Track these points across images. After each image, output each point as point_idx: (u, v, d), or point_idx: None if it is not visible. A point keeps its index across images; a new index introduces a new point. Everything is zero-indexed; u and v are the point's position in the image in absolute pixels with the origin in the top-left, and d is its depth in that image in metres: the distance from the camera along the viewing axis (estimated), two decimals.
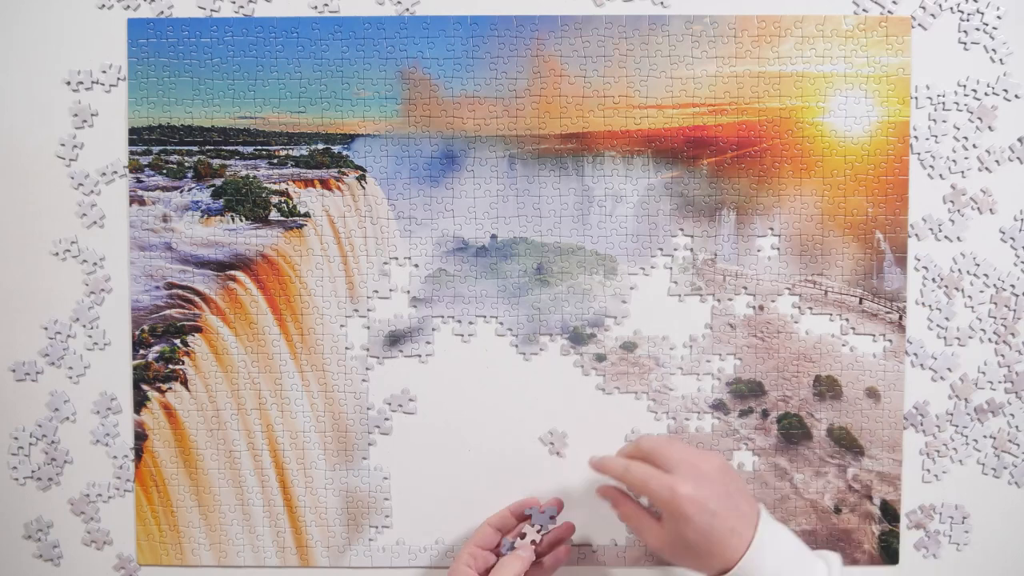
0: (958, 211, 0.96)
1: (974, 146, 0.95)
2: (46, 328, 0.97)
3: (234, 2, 0.95)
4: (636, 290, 0.97)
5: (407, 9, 0.95)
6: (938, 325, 0.96)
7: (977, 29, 0.94)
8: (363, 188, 0.97)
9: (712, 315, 0.97)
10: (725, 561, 0.72)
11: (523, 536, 0.86)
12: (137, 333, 0.96)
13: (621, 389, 0.97)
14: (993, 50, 0.95)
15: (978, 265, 0.96)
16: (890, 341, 0.96)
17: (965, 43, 0.95)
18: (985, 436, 0.96)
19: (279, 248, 0.97)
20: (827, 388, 0.96)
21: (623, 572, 0.97)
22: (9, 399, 0.98)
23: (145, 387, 0.97)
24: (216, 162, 0.97)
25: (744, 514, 0.74)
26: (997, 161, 0.95)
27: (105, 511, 0.98)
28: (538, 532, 0.86)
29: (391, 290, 0.97)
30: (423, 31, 0.95)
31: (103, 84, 0.96)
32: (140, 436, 0.97)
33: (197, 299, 0.96)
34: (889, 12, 0.95)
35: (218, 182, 0.97)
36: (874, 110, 0.95)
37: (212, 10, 0.95)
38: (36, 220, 0.97)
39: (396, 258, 0.97)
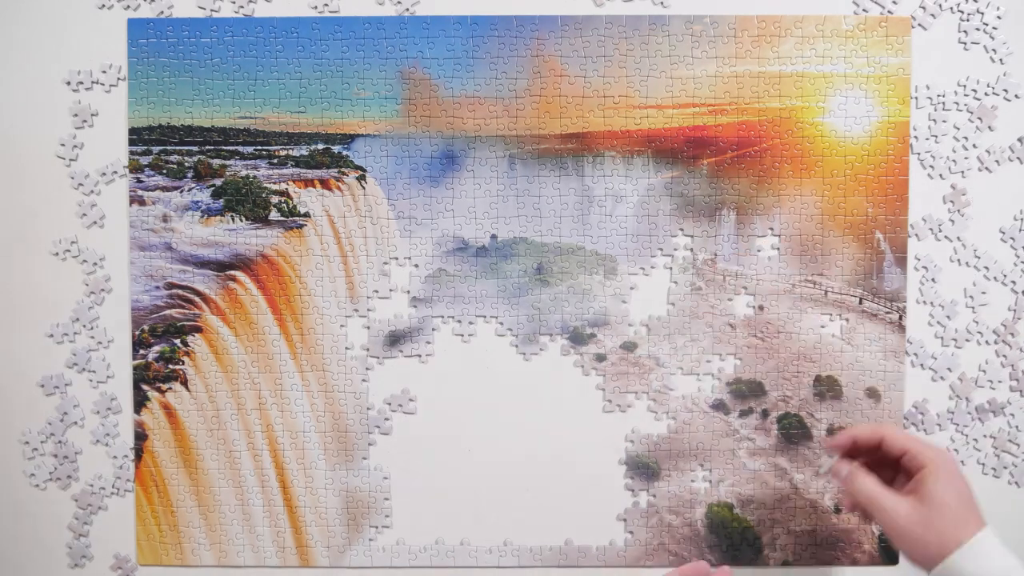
0: (958, 211, 0.96)
1: (974, 146, 0.95)
2: (46, 328, 0.97)
3: (234, 2, 0.95)
4: (636, 290, 0.97)
5: (407, 9, 0.95)
6: (939, 323, 0.96)
7: (977, 29, 0.94)
8: (363, 188, 0.97)
9: (712, 315, 0.97)
10: (947, 543, 0.69)
11: None
12: (137, 333, 0.96)
13: (621, 389, 0.97)
14: (993, 50, 0.95)
15: (978, 266, 0.96)
16: (890, 341, 0.96)
17: (965, 43, 0.95)
18: (985, 436, 0.96)
19: (279, 248, 0.97)
20: (827, 388, 0.96)
21: (623, 572, 0.97)
22: (8, 399, 0.98)
23: (145, 387, 0.97)
24: (216, 162, 0.97)
25: (978, 515, 0.72)
26: (997, 161, 0.95)
27: (105, 511, 0.98)
28: None
29: (391, 290, 0.97)
30: (423, 31, 0.95)
31: (103, 84, 0.96)
32: (140, 436, 0.97)
33: (197, 299, 0.96)
34: (889, 12, 0.95)
35: (218, 182, 0.97)
36: (874, 110, 0.95)
37: (212, 10, 0.95)
38: (36, 220, 0.97)
39: (396, 258, 0.97)
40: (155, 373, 0.97)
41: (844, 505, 0.83)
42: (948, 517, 0.70)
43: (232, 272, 0.97)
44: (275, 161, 0.97)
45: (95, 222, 0.97)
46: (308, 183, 0.97)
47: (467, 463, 0.97)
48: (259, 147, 0.97)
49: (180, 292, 0.97)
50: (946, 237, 0.96)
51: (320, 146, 0.97)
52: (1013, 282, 0.96)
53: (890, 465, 0.77)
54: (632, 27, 0.95)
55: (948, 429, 0.96)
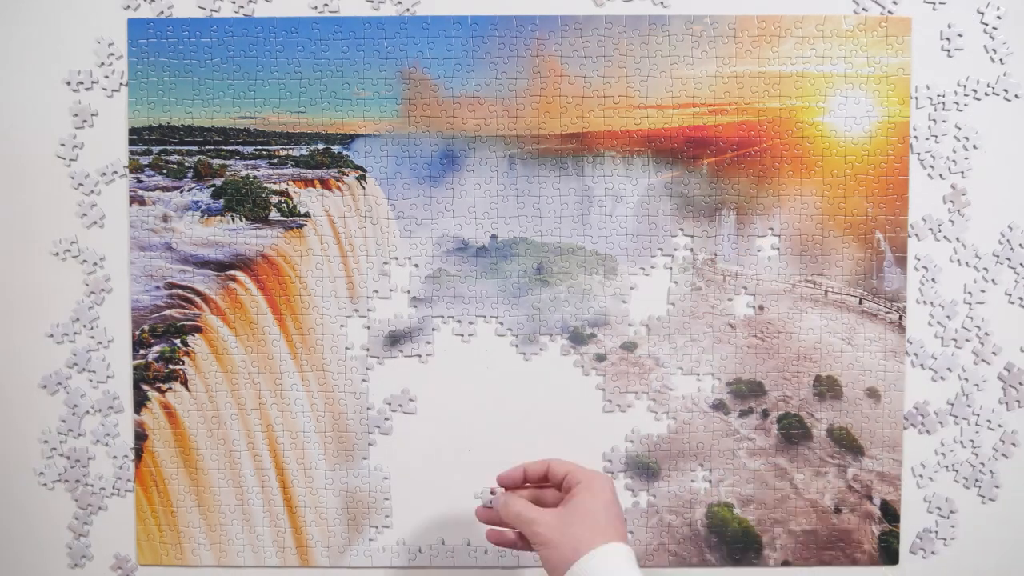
0: (958, 211, 0.96)
1: (974, 146, 0.95)
2: (46, 328, 0.97)
3: (234, 2, 0.95)
4: (636, 290, 0.97)
5: (407, 9, 0.95)
6: (939, 323, 0.96)
7: (977, 29, 0.94)
8: (363, 188, 0.97)
9: (712, 315, 0.97)
10: (580, 548, 0.67)
11: None
12: (137, 333, 0.96)
13: (621, 389, 0.97)
14: (993, 50, 0.95)
15: (978, 266, 0.96)
16: (890, 341, 0.96)
17: (965, 43, 0.95)
18: (989, 430, 0.96)
19: (279, 248, 0.97)
20: (827, 388, 0.96)
21: None
22: (9, 399, 0.98)
23: (145, 387, 0.97)
24: (216, 162, 0.97)
25: (617, 526, 0.70)
26: (997, 161, 0.95)
27: (105, 511, 0.98)
28: None
29: (391, 290, 0.97)
30: (423, 31, 0.95)
31: (103, 85, 0.96)
32: (140, 436, 0.97)
33: (197, 299, 0.96)
34: (889, 12, 0.95)
35: (218, 182, 0.97)
36: (874, 110, 0.95)
37: (212, 10, 0.95)
38: (36, 220, 0.97)
39: (396, 258, 0.97)
40: (155, 373, 0.97)
41: (494, 539, 0.78)
42: (587, 524, 0.69)
43: (232, 272, 0.97)
44: (275, 161, 0.97)
45: (95, 222, 0.97)
46: (308, 183, 0.97)
47: (467, 463, 0.97)
48: (259, 147, 0.97)
49: (180, 292, 0.97)
50: (945, 237, 0.96)
51: (320, 146, 0.97)
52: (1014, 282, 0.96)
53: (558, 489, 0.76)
54: (632, 27, 0.95)
55: (948, 429, 0.96)
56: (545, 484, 0.78)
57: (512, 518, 0.74)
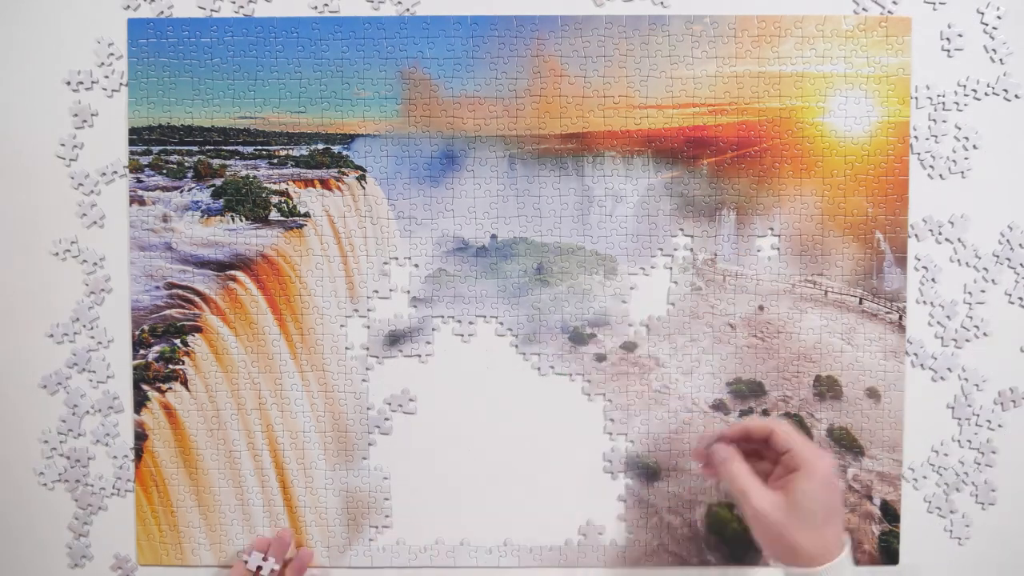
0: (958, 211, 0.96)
1: (974, 146, 0.95)
2: (46, 328, 0.97)
3: (234, 2, 0.95)
4: (636, 290, 0.97)
5: (407, 9, 0.95)
6: (939, 323, 0.96)
7: (977, 29, 0.94)
8: (363, 188, 0.97)
9: (712, 315, 0.97)
10: (819, 553, 0.72)
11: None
12: (137, 333, 0.97)
13: (621, 389, 0.97)
14: (993, 50, 0.95)
15: (978, 266, 0.96)
16: (890, 341, 0.96)
17: (965, 43, 0.95)
18: (989, 430, 0.96)
19: (279, 248, 0.97)
20: (827, 388, 0.96)
21: (623, 572, 0.97)
22: (9, 399, 0.98)
23: (145, 387, 0.97)
24: (216, 162, 0.97)
25: (841, 529, 0.76)
26: (997, 161, 0.95)
27: (105, 511, 0.98)
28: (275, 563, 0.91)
29: (391, 290, 0.97)
30: (423, 31, 0.95)
31: (103, 85, 0.96)
32: (140, 436, 0.97)
33: (197, 299, 0.96)
34: (889, 12, 0.95)
35: (218, 182, 0.97)
36: (874, 110, 0.95)
37: (212, 10, 0.95)
38: (36, 220, 0.97)
39: (396, 258, 0.97)
40: (155, 373, 0.97)
41: (718, 490, 0.87)
42: (809, 524, 0.72)
43: (232, 272, 0.97)
44: (275, 161, 0.97)
45: (95, 222, 0.97)
46: (308, 183, 0.97)
47: (467, 463, 0.97)
48: (259, 147, 0.97)
49: (180, 292, 0.97)
50: (946, 238, 0.96)
51: (320, 146, 0.97)
52: (1014, 283, 0.96)
53: (773, 460, 0.79)
54: (632, 27, 0.95)
55: (950, 428, 0.96)
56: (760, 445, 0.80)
57: (732, 482, 0.77)
